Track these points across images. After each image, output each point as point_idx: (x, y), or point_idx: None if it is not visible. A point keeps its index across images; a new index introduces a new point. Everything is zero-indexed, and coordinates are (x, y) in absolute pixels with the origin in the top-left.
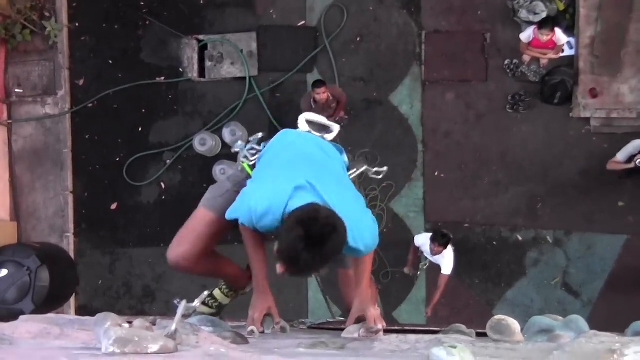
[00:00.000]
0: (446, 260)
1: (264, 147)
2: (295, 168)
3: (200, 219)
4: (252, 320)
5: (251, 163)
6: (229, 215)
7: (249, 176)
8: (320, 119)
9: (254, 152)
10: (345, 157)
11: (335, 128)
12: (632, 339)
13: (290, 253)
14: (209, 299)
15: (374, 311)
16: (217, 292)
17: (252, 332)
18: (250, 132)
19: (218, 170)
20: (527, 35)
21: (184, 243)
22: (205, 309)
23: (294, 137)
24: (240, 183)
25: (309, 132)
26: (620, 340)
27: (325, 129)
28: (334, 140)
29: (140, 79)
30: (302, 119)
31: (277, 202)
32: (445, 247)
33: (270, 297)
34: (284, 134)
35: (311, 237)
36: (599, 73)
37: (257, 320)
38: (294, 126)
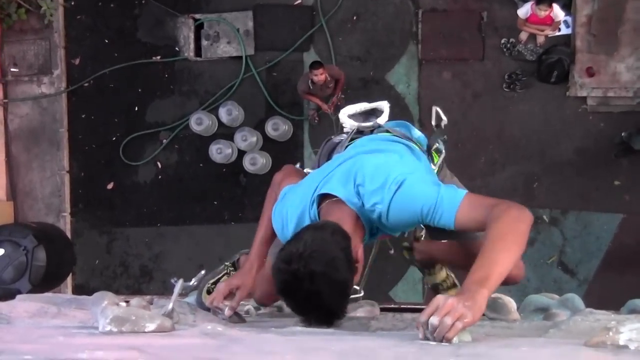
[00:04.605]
0: None
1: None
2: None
3: None
4: (216, 292)
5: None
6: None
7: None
8: (360, 106)
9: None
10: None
11: (384, 105)
12: (628, 317)
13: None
14: (213, 286)
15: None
16: (224, 279)
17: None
18: (246, 111)
19: (214, 149)
20: (524, 10)
21: None
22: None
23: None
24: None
25: (359, 126)
26: (616, 317)
27: (372, 113)
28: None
29: (136, 58)
30: (344, 116)
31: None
32: None
33: (247, 278)
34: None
35: (297, 301)
36: (595, 52)
37: (220, 292)
38: (291, 105)
